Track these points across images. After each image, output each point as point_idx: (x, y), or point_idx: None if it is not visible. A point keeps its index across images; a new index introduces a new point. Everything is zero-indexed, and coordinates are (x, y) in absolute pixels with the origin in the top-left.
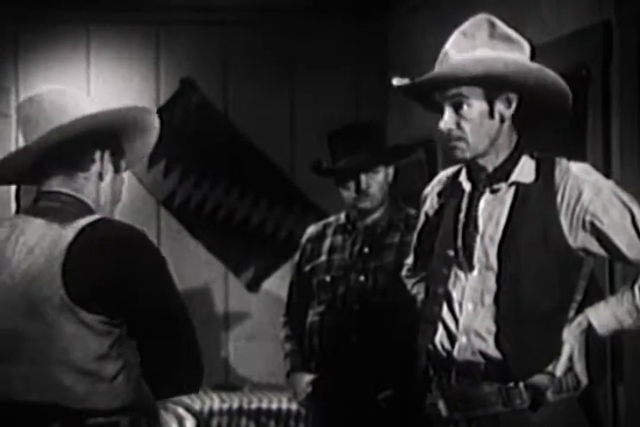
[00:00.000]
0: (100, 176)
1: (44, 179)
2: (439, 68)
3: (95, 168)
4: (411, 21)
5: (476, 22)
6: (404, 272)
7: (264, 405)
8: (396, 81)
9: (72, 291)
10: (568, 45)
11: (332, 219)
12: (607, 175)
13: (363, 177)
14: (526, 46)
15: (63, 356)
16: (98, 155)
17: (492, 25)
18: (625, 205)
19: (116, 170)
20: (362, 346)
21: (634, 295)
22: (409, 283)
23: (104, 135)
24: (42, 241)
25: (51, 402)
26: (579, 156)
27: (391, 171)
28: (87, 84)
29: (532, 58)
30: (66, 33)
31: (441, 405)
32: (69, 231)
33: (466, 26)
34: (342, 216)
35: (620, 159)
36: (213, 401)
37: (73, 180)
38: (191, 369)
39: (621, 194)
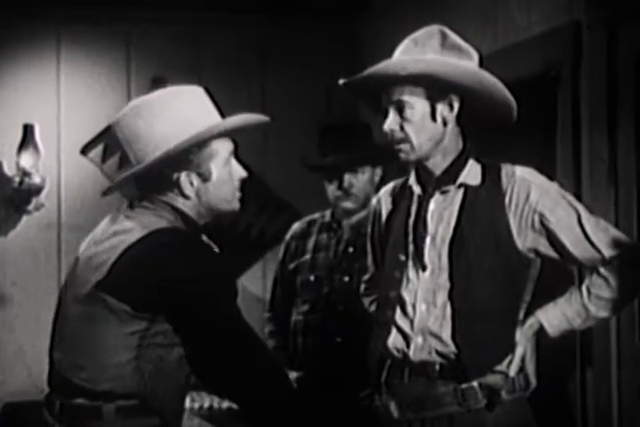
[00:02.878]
0: (184, 195)
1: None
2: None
3: (176, 190)
4: (382, 23)
5: (428, 32)
6: (361, 290)
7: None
8: (341, 80)
9: (105, 281)
10: (538, 46)
11: (316, 216)
12: (578, 174)
13: (346, 176)
14: (475, 55)
15: (86, 337)
16: (175, 176)
17: (444, 35)
18: (571, 204)
19: (206, 179)
20: (346, 346)
21: (582, 295)
22: (366, 301)
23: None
24: (115, 237)
25: (65, 376)
26: (548, 154)
27: (379, 171)
28: (57, 83)
29: (481, 66)
30: (36, 31)
31: (392, 406)
32: (137, 234)
33: (417, 34)
34: (328, 214)
35: (589, 157)
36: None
37: (166, 195)
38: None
39: (566, 195)
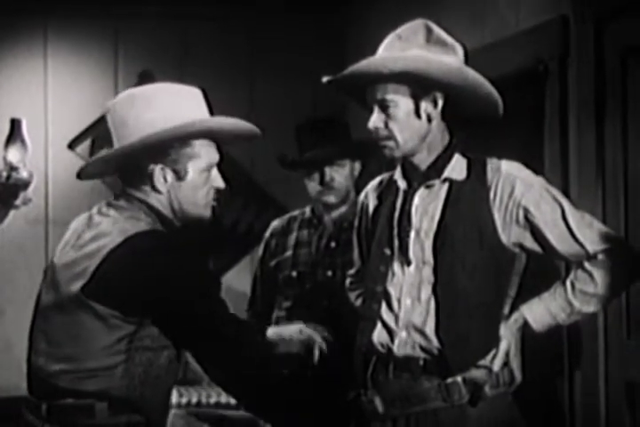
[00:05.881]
0: (155, 189)
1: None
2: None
3: (149, 183)
4: (368, 17)
5: (413, 26)
6: (347, 284)
7: (222, 399)
8: (325, 78)
9: (89, 288)
10: (526, 41)
11: (296, 213)
12: (565, 169)
13: (327, 170)
14: (460, 50)
15: (73, 343)
16: (150, 168)
17: (429, 30)
18: (555, 199)
19: (180, 178)
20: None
21: (566, 290)
22: (352, 295)
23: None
24: (94, 243)
25: (50, 381)
26: (536, 149)
27: (357, 166)
28: (44, 78)
29: (466, 61)
30: (23, 26)
31: (377, 401)
32: (117, 239)
33: (402, 29)
34: (308, 210)
35: (577, 152)
36: (172, 395)
37: (141, 189)
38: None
39: (551, 189)
